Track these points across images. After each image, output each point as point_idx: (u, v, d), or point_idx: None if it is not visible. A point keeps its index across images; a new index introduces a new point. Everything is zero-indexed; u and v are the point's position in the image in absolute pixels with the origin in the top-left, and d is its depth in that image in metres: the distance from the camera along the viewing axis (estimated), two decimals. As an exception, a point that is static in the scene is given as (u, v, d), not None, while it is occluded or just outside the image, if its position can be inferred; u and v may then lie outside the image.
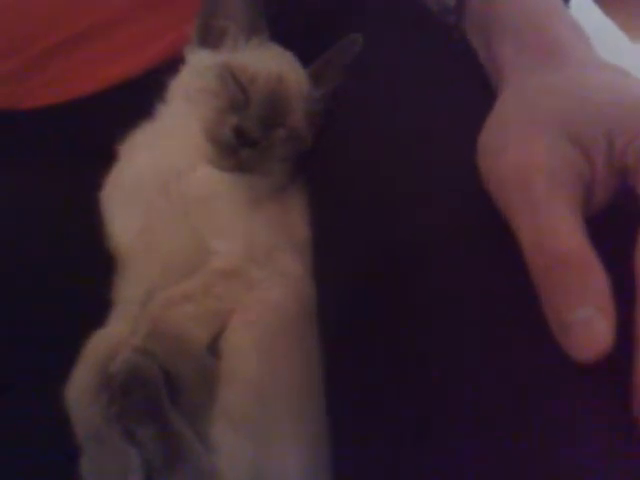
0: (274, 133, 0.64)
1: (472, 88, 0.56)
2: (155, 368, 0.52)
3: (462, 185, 0.45)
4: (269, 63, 0.66)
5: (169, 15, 0.73)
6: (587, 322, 0.33)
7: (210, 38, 0.68)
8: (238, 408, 0.54)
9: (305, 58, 0.71)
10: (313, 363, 0.57)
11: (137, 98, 0.71)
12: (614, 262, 0.34)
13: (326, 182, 0.59)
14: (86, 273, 0.63)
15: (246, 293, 0.60)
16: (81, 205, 0.66)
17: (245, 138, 0.62)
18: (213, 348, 0.57)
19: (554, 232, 0.35)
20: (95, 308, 0.61)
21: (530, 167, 0.37)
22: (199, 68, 0.67)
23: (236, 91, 0.63)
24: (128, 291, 0.62)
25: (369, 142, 0.54)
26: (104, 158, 0.68)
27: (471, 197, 0.43)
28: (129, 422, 0.50)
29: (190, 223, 0.63)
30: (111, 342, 0.57)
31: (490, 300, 0.40)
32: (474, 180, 0.44)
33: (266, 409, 0.55)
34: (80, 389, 0.53)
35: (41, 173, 0.71)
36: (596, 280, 0.34)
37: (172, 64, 0.71)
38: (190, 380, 0.54)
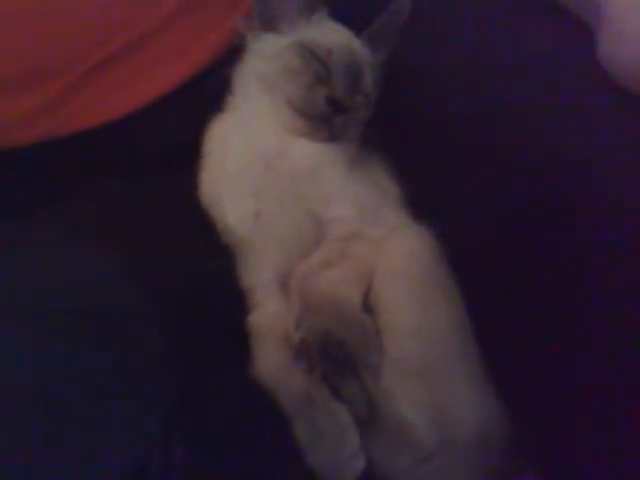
0: (357, 99, 0.67)
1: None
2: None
3: None
4: (335, 36, 0.69)
5: (208, 15, 0.74)
6: None
7: (267, 24, 0.70)
8: (406, 356, 0.57)
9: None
10: (457, 302, 0.61)
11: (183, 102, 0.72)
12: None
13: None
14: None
15: (374, 251, 0.63)
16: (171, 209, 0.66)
17: (337, 106, 0.64)
18: (365, 306, 0.60)
19: None
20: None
21: None
22: (269, 52, 0.68)
23: (318, 65, 0.65)
24: (256, 276, 0.63)
25: None
26: (163, 165, 0.69)
27: None
28: (334, 380, 0.52)
29: (300, 197, 0.65)
30: (277, 320, 0.58)
31: None
32: None
33: (431, 352, 0.58)
34: (273, 366, 0.54)
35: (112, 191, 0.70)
36: None
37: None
38: (356, 340, 0.56)
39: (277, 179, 0.65)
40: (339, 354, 0.53)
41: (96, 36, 0.70)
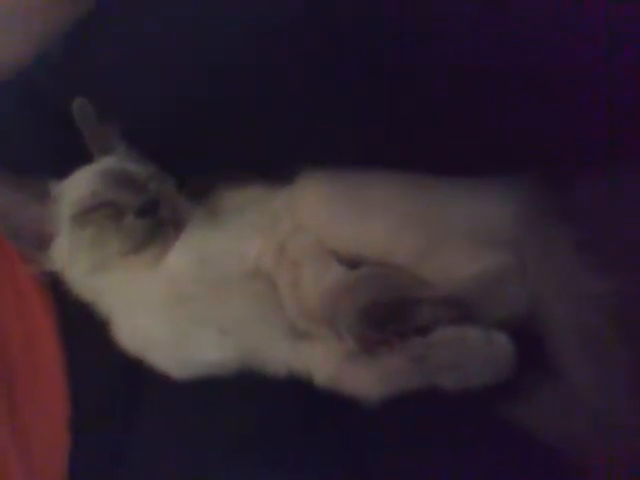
0: (150, 187, 0.66)
1: None
2: None
3: None
4: (80, 183, 0.67)
5: None
6: None
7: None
8: None
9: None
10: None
11: None
12: None
13: None
14: None
15: (300, 231, 0.66)
16: None
17: (149, 210, 0.63)
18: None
19: None
20: None
21: None
22: (72, 253, 0.65)
23: (101, 214, 0.64)
24: (277, 351, 0.63)
25: None
26: None
27: None
28: (408, 321, 0.57)
29: (222, 282, 0.64)
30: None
31: None
32: None
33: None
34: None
35: None
36: None
37: None
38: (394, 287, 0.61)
39: (192, 296, 0.64)
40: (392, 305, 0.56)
41: None
